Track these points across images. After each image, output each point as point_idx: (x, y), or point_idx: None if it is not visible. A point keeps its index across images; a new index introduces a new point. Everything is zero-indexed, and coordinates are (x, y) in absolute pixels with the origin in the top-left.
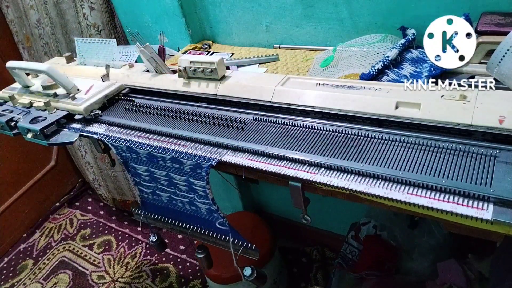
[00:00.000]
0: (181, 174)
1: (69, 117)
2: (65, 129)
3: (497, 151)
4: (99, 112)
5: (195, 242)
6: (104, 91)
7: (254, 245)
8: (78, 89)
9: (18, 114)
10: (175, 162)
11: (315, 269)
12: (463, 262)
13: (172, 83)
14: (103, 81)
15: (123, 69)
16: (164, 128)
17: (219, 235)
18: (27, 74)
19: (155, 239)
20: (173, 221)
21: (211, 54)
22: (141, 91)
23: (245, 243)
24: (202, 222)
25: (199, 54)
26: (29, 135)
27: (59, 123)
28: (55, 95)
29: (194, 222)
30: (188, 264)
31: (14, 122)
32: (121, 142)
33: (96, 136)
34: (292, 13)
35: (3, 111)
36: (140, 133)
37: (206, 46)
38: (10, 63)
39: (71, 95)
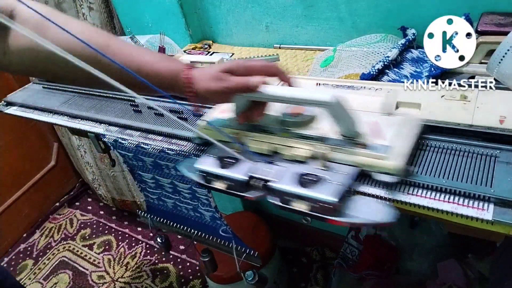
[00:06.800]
0: (185, 182)
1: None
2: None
3: (498, 151)
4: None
5: (195, 243)
6: (410, 133)
7: (256, 252)
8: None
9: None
10: (178, 170)
11: (315, 269)
12: (463, 262)
13: None
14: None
15: None
16: (166, 129)
17: (222, 241)
18: None
19: (162, 240)
20: (179, 225)
21: (211, 54)
22: None
23: (248, 250)
24: (206, 228)
25: (199, 54)
26: (302, 206)
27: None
28: (320, 139)
29: (199, 228)
30: (188, 264)
31: (263, 181)
32: (127, 150)
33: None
34: (292, 13)
35: (225, 158)
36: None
37: (206, 46)
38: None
39: (355, 140)
